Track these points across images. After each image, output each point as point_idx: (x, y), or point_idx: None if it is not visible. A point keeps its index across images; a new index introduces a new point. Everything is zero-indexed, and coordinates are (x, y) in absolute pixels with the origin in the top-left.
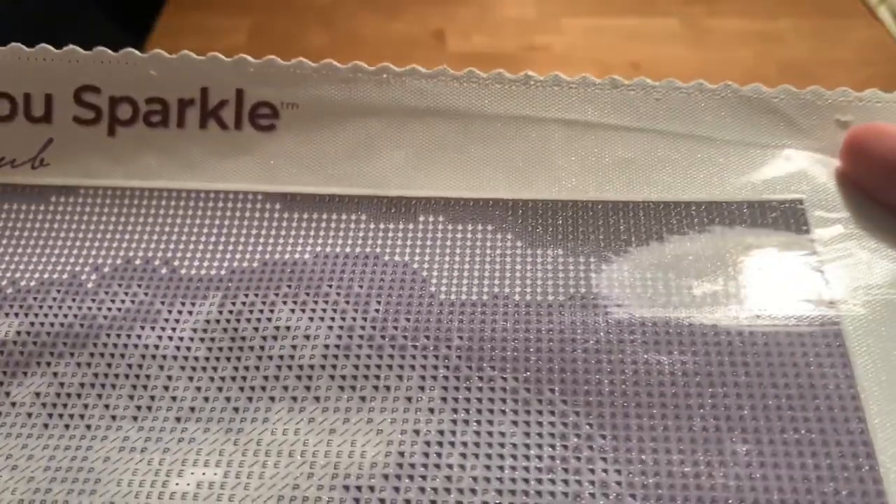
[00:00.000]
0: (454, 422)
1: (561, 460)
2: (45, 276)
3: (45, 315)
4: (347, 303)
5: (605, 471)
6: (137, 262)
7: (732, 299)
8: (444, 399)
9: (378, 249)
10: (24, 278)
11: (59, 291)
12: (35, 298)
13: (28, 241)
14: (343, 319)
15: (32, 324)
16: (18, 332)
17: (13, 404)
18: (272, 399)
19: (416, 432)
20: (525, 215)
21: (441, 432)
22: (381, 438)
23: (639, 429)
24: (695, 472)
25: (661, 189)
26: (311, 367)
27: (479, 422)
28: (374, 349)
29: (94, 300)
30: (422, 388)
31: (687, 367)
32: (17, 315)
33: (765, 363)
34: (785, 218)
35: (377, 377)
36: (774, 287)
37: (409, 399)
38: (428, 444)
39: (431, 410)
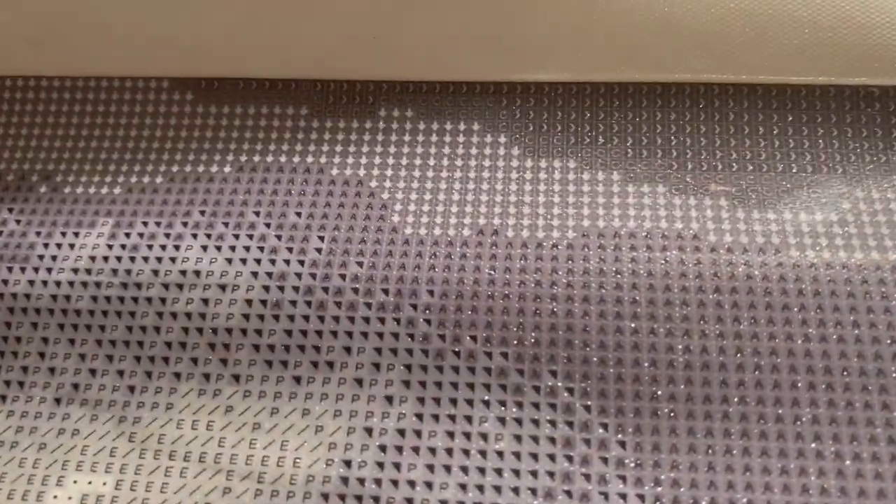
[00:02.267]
0: (419, 417)
1: (563, 478)
2: None
3: None
4: (279, 238)
5: (622, 495)
6: (10, 177)
7: (805, 238)
8: (406, 383)
9: (323, 159)
10: None
11: None
12: None
13: None
14: (272, 263)
15: None
16: None
17: None
18: (177, 376)
19: (368, 431)
20: (523, 107)
21: (401, 432)
22: (320, 439)
23: (671, 432)
24: (729, 498)
25: (720, 63)
26: (229, 330)
27: (452, 417)
28: (312, 308)
29: None
30: (377, 366)
31: (726, 343)
32: None
33: (836, 351)
34: (884, 115)
35: (316, 348)
36: (859, 226)
37: (358, 382)
38: (383, 449)
39: (389, 399)
